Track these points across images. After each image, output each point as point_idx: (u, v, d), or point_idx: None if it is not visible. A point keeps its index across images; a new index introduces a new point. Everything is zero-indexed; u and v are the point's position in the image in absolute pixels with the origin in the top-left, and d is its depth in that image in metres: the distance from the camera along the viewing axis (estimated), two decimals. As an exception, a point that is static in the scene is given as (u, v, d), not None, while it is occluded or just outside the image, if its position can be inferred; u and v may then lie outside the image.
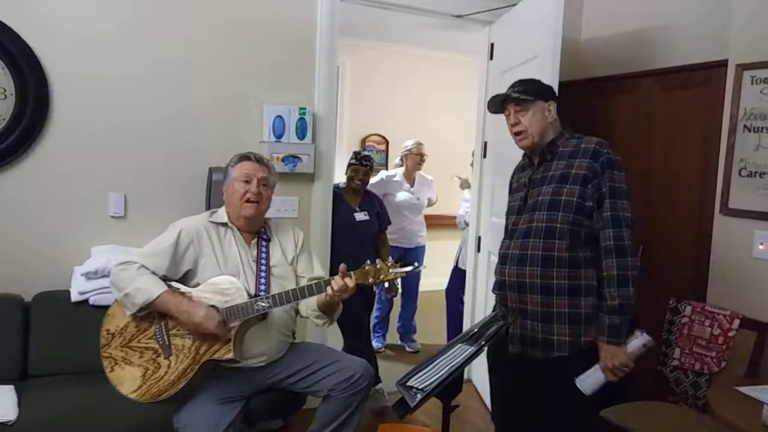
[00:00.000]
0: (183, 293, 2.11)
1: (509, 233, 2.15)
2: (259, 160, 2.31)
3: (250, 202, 2.21)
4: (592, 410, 2.03)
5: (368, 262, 2.10)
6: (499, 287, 2.15)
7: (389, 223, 3.78)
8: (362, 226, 3.49)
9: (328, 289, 2.07)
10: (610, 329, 1.91)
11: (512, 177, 2.32)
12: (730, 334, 2.54)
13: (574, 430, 2.05)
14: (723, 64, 2.78)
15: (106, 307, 2.22)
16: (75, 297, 2.58)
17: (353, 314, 3.32)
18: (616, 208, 1.92)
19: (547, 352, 2.01)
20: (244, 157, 2.29)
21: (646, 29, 3.34)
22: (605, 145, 2.00)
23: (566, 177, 1.99)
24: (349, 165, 3.54)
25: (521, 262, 2.04)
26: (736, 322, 2.53)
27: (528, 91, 2.08)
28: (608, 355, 1.91)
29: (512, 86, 2.14)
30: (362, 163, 3.50)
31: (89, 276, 2.60)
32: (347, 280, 2.06)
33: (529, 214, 2.06)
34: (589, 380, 1.93)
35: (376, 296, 4.08)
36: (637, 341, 1.92)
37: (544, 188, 2.03)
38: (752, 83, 2.64)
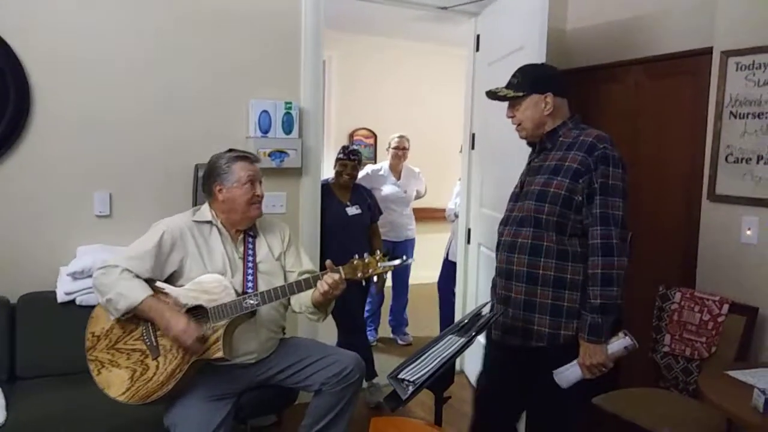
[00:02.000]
0: (168, 294, 2.07)
1: (505, 220, 2.14)
2: (255, 159, 2.28)
3: (255, 204, 2.21)
4: (572, 399, 2.02)
5: (356, 256, 2.08)
6: (496, 273, 2.16)
7: (380, 213, 3.77)
8: (355, 221, 3.49)
9: (320, 285, 2.05)
10: (591, 328, 1.88)
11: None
12: (720, 319, 2.55)
13: (552, 418, 2.06)
14: (708, 51, 2.79)
15: (92, 308, 2.18)
16: (61, 297, 2.56)
17: (349, 309, 3.31)
18: (606, 206, 1.89)
19: (525, 341, 2.01)
20: (242, 157, 2.23)
21: (632, 18, 3.34)
22: (604, 140, 1.94)
23: (559, 169, 1.96)
24: (337, 160, 3.53)
25: (512, 249, 2.04)
26: (726, 307, 2.55)
27: (522, 85, 2.05)
28: (587, 353, 1.90)
29: (512, 75, 2.11)
30: (350, 158, 3.49)
31: (75, 276, 2.57)
32: (336, 275, 2.05)
33: (522, 202, 2.05)
34: (566, 374, 1.93)
35: (368, 290, 4.08)
36: (619, 343, 1.89)
37: (537, 178, 2.02)
38: (737, 69, 2.65)
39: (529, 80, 2.05)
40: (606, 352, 1.89)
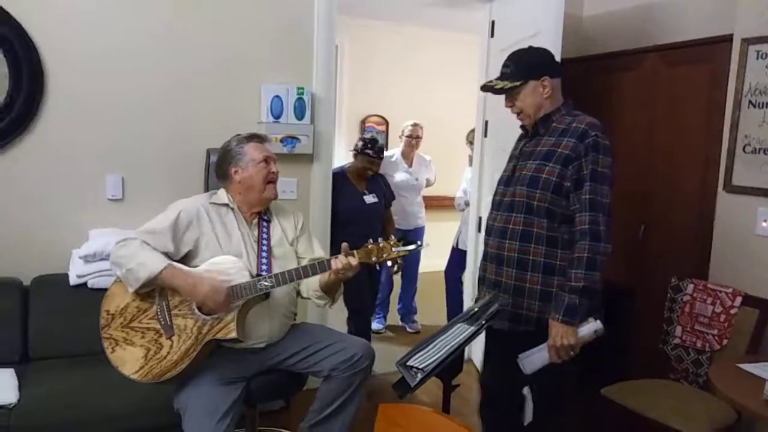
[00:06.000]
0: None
1: (496, 204, 2.14)
2: (265, 139, 2.32)
3: (271, 183, 2.23)
4: (557, 385, 2.03)
5: (371, 240, 2.09)
6: (483, 257, 2.17)
7: (393, 198, 3.77)
8: (372, 209, 3.49)
9: (334, 263, 2.06)
10: (568, 308, 1.86)
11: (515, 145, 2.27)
12: (732, 311, 2.53)
13: (541, 402, 2.04)
14: (728, 38, 2.73)
15: (104, 290, 2.19)
16: (73, 280, 2.58)
17: (358, 292, 3.31)
18: (596, 192, 1.88)
19: (514, 325, 2.02)
20: (254, 137, 2.27)
21: (649, 4, 3.28)
22: (596, 127, 1.93)
23: (551, 155, 1.96)
24: (364, 153, 3.44)
25: (503, 235, 2.04)
26: (738, 299, 2.52)
27: (515, 74, 2.02)
28: (559, 333, 1.87)
29: (503, 65, 2.08)
30: (379, 156, 3.47)
31: (87, 259, 2.59)
32: (350, 258, 2.05)
33: (513, 188, 2.05)
34: (532, 358, 1.90)
35: (379, 279, 4.07)
36: (590, 326, 1.88)
37: (529, 163, 2.01)
38: (758, 58, 2.60)
39: (523, 67, 2.02)
40: (576, 335, 1.87)
